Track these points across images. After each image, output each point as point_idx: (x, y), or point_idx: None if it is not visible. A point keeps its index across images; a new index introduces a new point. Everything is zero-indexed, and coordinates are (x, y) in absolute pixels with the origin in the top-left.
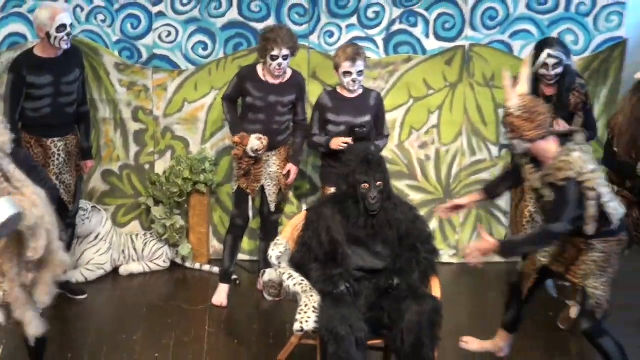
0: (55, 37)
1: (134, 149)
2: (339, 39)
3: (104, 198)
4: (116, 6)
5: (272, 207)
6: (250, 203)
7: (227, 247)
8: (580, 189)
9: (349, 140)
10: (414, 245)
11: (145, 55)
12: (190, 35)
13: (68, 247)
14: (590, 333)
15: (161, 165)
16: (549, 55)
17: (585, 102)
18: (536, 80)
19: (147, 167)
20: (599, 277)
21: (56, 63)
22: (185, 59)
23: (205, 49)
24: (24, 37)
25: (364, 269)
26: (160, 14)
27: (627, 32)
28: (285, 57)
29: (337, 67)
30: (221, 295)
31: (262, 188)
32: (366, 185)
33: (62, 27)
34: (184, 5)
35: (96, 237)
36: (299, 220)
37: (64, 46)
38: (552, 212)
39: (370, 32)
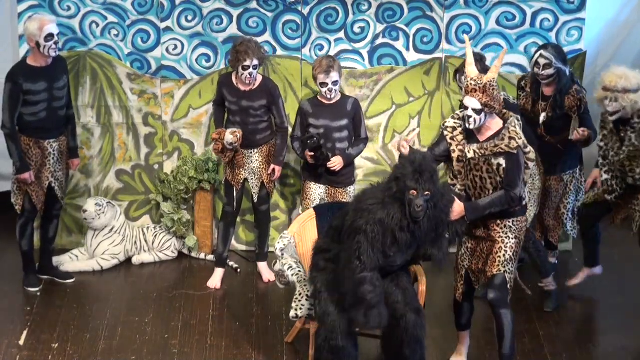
0: (44, 46)
1: (144, 150)
2: (328, 51)
3: (118, 195)
4: (128, 22)
5: (256, 199)
6: (235, 193)
7: (220, 233)
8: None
9: (310, 154)
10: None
11: (154, 66)
12: (194, 48)
13: (54, 237)
14: (495, 302)
15: (169, 165)
16: (540, 56)
17: (579, 106)
18: (538, 81)
19: (156, 167)
20: (512, 260)
21: (48, 70)
22: (190, 70)
23: (208, 60)
24: None
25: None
26: (168, 29)
27: (585, 44)
28: (255, 67)
29: (315, 79)
30: (215, 279)
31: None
32: (414, 192)
33: (49, 37)
34: (188, 21)
35: (111, 230)
36: (306, 217)
37: (52, 54)
38: (509, 179)
39: (357, 45)
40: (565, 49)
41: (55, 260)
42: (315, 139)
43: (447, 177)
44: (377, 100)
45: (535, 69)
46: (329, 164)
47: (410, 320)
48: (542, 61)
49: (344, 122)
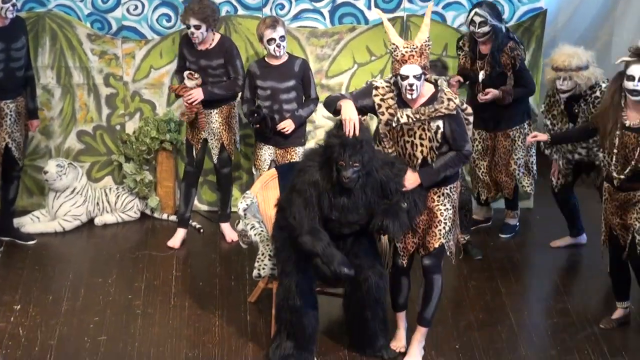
0: (2, 8)
1: (106, 111)
2: (289, 11)
3: (80, 156)
4: None
5: (216, 160)
6: (194, 152)
7: (182, 193)
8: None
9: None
10: (397, 197)
11: (114, 27)
12: (155, 8)
13: (14, 198)
14: (429, 269)
15: (131, 126)
16: (475, 14)
17: (514, 63)
18: (475, 40)
19: (118, 127)
20: (452, 229)
21: (6, 31)
22: (151, 30)
23: (169, 20)
24: None
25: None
26: None
27: (546, 3)
28: (197, 27)
29: (261, 38)
30: (176, 239)
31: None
32: (342, 163)
33: None
34: None
35: (72, 191)
36: (268, 177)
37: (10, 16)
38: (457, 139)
39: (317, 4)
40: (526, 7)
41: (16, 221)
42: (256, 114)
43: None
44: (339, 60)
45: (471, 27)
46: (280, 128)
47: (372, 283)
48: (477, 19)
49: (291, 83)
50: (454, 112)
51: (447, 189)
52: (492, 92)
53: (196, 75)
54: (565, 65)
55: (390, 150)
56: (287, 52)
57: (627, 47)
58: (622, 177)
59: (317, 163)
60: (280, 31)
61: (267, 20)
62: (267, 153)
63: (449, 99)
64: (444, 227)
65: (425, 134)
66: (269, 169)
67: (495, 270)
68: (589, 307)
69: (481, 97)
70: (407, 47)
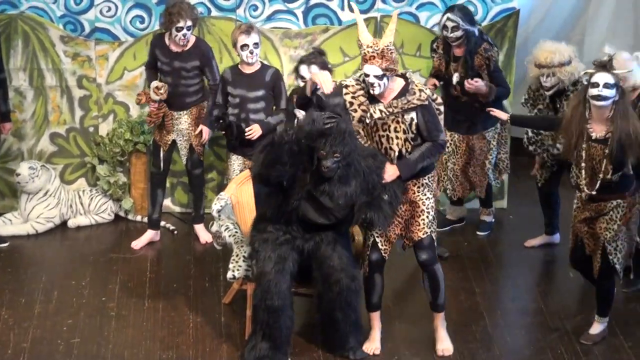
0: None
1: (79, 113)
2: (262, 12)
3: (52, 158)
4: None
5: (185, 161)
6: (162, 154)
7: (149, 195)
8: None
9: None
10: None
11: (87, 28)
12: (128, 10)
13: None
14: (427, 262)
15: (104, 128)
16: (448, 19)
17: (488, 64)
18: (449, 43)
19: (91, 129)
20: (435, 218)
21: None
22: (124, 31)
23: (142, 22)
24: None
25: (309, 220)
26: None
27: (518, 3)
28: (188, 28)
29: (235, 44)
30: (142, 239)
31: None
32: (323, 153)
33: None
34: None
35: (45, 193)
36: (242, 178)
37: None
38: (431, 129)
39: (291, 5)
40: (499, 8)
41: None
42: (221, 121)
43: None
44: None
45: (444, 32)
46: (247, 134)
47: (344, 285)
48: (449, 24)
49: (261, 92)
50: (426, 103)
51: (425, 179)
52: (480, 84)
53: (162, 91)
54: (547, 62)
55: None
56: (261, 61)
57: (599, 46)
58: (593, 193)
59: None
60: (254, 37)
61: (242, 26)
62: (236, 163)
63: (420, 90)
64: (427, 217)
65: (400, 127)
66: None
67: (469, 270)
68: (562, 307)
69: (469, 83)
70: (370, 48)
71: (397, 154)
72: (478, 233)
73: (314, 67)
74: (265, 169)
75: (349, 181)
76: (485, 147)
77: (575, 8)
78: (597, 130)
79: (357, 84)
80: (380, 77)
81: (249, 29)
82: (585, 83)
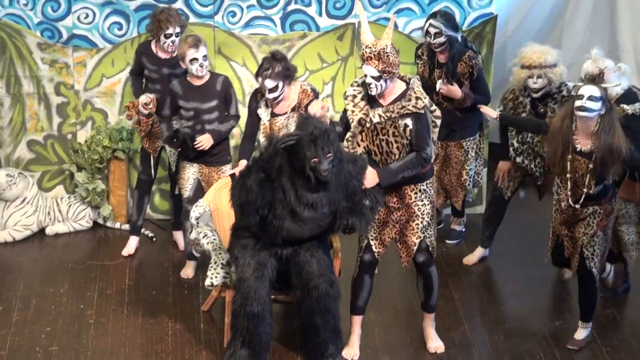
0: None
1: (57, 120)
2: (240, 18)
3: (30, 165)
4: None
5: (173, 167)
6: (152, 161)
7: (135, 201)
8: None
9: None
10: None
11: (65, 35)
12: (106, 17)
13: None
14: (426, 264)
15: (83, 135)
16: (430, 25)
17: (471, 72)
18: (433, 49)
19: (69, 136)
20: (430, 225)
21: None
22: (102, 38)
23: (120, 29)
24: None
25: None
26: None
27: (496, 8)
28: (177, 34)
29: (183, 58)
30: (130, 246)
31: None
32: (316, 160)
33: None
34: None
35: (23, 200)
36: (221, 184)
37: None
38: (419, 139)
39: (269, 11)
40: (476, 13)
41: None
42: (175, 139)
43: (350, 145)
44: None
45: (427, 38)
46: (197, 143)
47: (323, 291)
48: (432, 30)
49: (214, 102)
50: (422, 112)
51: (423, 185)
52: (455, 88)
53: (150, 105)
54: (540, 62)
55: (364, 151)
56: (209, 70)
57: (576, 51)
58: (577, 206)
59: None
60: (203, 50)
61: (189, 40)
62: (190, 172)
63: (417, 98)
64: (421, 222)
65: (397, 131)
66: (193, 189)
67: (447, 275)
68: (540, 312)
69: (442, 86)
70: (368, 48)
71: (397, 157)
72: (447, 242)
73: (269, 82)
74: (240, 206)
75: (332, 187)
76: (463, 156)
77: (552, 13)
78: (583, 143)
79: (354, 90)
80: (377, 79)
81: (197, 42)
82: (574, 94)
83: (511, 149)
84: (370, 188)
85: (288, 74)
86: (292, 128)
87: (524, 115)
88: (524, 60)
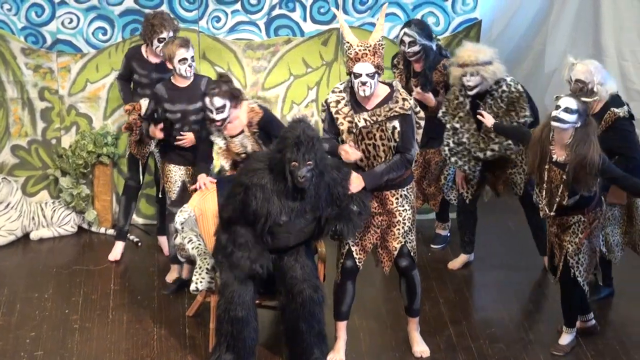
0: None
1: (41, 125)
2: (225, 23)
3: (14, 170)
4: None
5: (160, 168)
6: (141, 167)
7: (122, 207)
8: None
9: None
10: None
11: (49, 40)
12: (90, 22)
13: None
14: (408, 268)
15: (67, 140)
16: (405, 34)
17: (446, 81)
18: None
19: (54, 141)
20: (411, 229)
21: None
22: (86, 43)
23: (104, 34)
24: None
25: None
26: (63, 3)
27: (480, 13)
28: (170, 39)
29: (171, 59)
30: (115, 252)
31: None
32: (295, 164)
33: None
34: None
35: (7, 205)
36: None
37: None
38: (405, 140)
39: (253, 16)
40: (461, 18)
41: None
42: (155, 115)
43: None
44: (275, 72)
45: (402, 47)
46: (178, 141)
47: (307, 296)
48: (406, 39)
49: (200, 104)
50: (409, 113)
51: (404, 191)
52: (429, 96)
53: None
54: (472, 60)
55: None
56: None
57: (560, 55)
58: (552, 214)
59: (267, 166)
60: (191, 51)
61: (178, 40)
62: (177, 175)
63: (403, 99)
64: (402, 227)
65: (385, 134)
66: (180, 191)
67: (432, 280)
68: (526, 317)
69: (416, 91)
70: (361, 46)
71: (383, 160)
72: (432, 246)
73: (217, 100)
74: (228, 219)
75: (318, 193)
76: (442, 161)
77: (536, 18)
78: (559, 154)
79: (337, 96)
80: (372, 76)
81: (186, 42)
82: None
83: (446, 148)
84: (357, 193)
85: (235, 95)
86: (249, 147)
87: (461, 115)
88: (458, 59)
